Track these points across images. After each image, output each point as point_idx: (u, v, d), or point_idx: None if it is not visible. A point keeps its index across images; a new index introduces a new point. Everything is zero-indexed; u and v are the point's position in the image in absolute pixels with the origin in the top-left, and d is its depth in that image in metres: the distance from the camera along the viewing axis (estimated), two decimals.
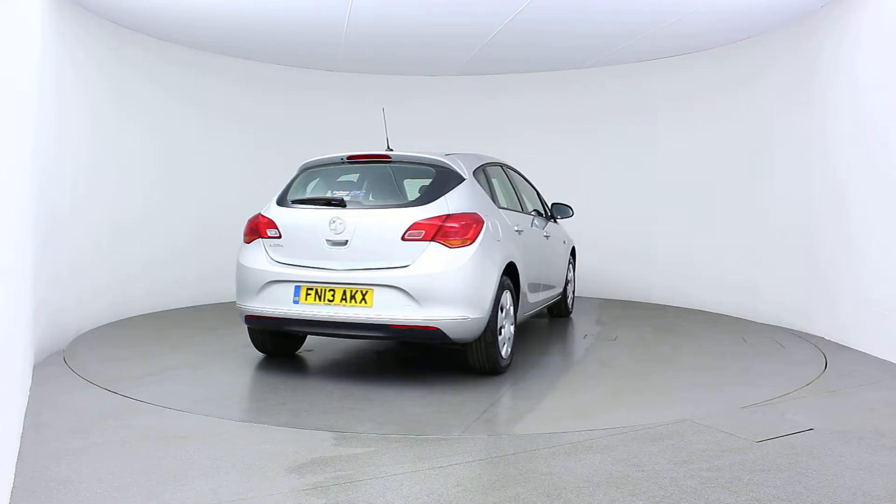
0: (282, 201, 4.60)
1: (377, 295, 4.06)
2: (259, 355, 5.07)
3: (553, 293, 6.12)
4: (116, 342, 5.46)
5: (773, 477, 2.82)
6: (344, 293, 4.12)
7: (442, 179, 4.39)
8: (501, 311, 4.40)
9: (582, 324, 6.66)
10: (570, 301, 6.96)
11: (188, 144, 7.21)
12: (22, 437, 3.20)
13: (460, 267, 4.06)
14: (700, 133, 7.38)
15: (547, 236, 5.81)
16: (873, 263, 5.22)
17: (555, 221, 6.39)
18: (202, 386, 4.36)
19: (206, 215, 7.34)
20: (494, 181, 5.09)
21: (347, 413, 3.68)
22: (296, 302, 4.22)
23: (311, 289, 4.20)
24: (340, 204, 4.37)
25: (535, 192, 6.18)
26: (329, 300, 4.14)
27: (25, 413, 3.56)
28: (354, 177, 4.72)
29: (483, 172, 4.86)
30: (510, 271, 4.61)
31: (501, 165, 5.53)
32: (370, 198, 4.53)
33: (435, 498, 2.60)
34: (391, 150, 4.84)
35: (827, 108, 5.77)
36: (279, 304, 4.27)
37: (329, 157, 4.78)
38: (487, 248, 4.23)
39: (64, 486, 2.66)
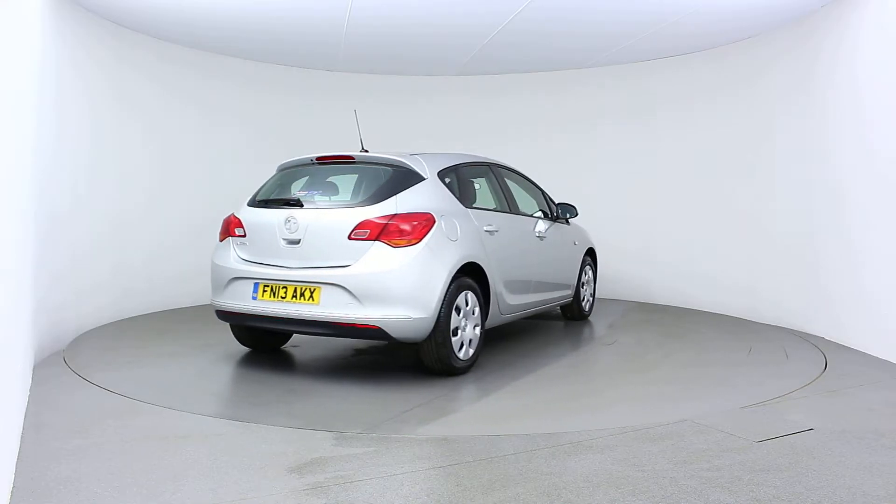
0: (251, 201, 4.77)
1: (324, 293, 4.16)
2: (259, 355, 5.07)
3: (555, 295, 6.02)
4: (116, 342, 5.46)
5: (773, 477, 2.82)
6: (295, 290, 4.25)
7: (398, 179, 4.44)
8: (458, 312, 4.39)
9: (591, 326, 6.62)
10: (585, 303, 6.77)
11: (188, 144, 7.21)
12: (22, 437, 3.20)
13: (402, 266, 4.09)
14: (700, 133, 7.38)
15: (541, 237, 5.66)
16: (873, 263, 5.21)
17: (566, 222, 6.30)
18: (202, 386, 4.36)
19: (206, 215, 7.32)
20: (471, 181, 5.12)
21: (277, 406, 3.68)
22: (254, 298, 4.38)
23: (267, 286, 4.36)
24: (297, 204, 4.49)
25: (541, 193, 6.11)
26: (282, 297, 4.27)
27: (25, 413, 3.56)
28: (320, 177, 4.84)
29: (454, 172, 4.85)
30: (475, 272, 4.60)
31: (489, 165, 5.49)
32: (325, 198, 4.64)
33: (435, 498, 2.60)
34: (366, 150, 4.89)
35: (827, 107, 5.77)
36: (241, 299, 4.44)
37: (301, 159, 4.89)
38: (436, 248, 4.23)
39: (64, 486, 2.66)
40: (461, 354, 4.46)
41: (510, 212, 5.38)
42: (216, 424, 3.46)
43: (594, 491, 2.66)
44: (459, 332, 4.45)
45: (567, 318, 6.80)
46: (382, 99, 8.40)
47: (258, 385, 4.27)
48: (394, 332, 4.12)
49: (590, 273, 6.84)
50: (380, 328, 4.08)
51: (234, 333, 5.11)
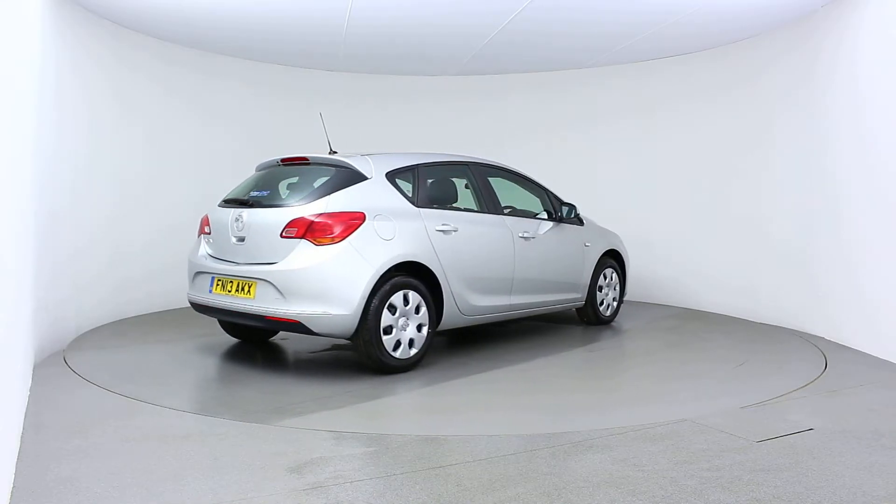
0: (222, 200, 5.06)
1: (258, 288, 4.38)
2: (260, 355, 5.08)
3: (556, 298, 5.85)
4: (117, 342, 5.46)
5: (773, 477, 2.82)
6: (238, 285, 4.52)
7: (339, 179, 4.57)
8: (393, 311, 4.44)
9: (599, 331, 6.50)
10: (606, 307, 6.47)
11: (187, 143, 7.21)
12: (22, 437, 3.20)
13: (321, 263, 4.21)
14: (700, 133, 7.38)
15: (527, 237, 5.47)
16: (871, 263, 5.21)
17: (577, 222, 6.14)
18: (202, 385, 4.36)
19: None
20: (439, 181, 5.13)
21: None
22: (210, 291, 4.71)
23: (219, 280, 4.66)
24: (247, 204, 4.74)
25: (544, 193, 5.98)
26: (228, 291, 4.57)
27: (25, 413, 3.56)
28: (279, 178, 4.98)
29: (411, 172, 4.89)
30: (421, 272, 4.63)
31: (468, 165, 5.44)
32: (270, 198, 4.76)
33: (435, 498, 2.60)
34: (335, 152, 5.07)
35: (826, 108, 5.77)
36: (202, 292, 4.79)
37: (272, 160, 5.10)
38: (362, 246, 4.31)
39: (64, 486, 2.66)
40: (398, 353, 4.50)
41: (488, 212, 5.30)
42: (216, 424, 3.46)
43: (594, 491, 2.66)
44: (395, 330, 4.48)
45: (584, 322, 6.51)
46: (382, 99, 8.40)
47: (259, 385, 4.27)
48: (314, 328, 4.25)
49: (613, 276, 6.53)
50: (300, 323, 4.23)
51: (220, 325, 5.45)
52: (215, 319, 5.21)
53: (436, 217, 4.82)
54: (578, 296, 6.15)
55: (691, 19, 6.15)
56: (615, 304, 6.62)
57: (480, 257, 5.06)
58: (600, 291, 6.40)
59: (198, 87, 7.33)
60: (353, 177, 4.59)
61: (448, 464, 2.94)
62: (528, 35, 6.73)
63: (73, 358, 4.80)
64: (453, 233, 4.86)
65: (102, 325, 6.03)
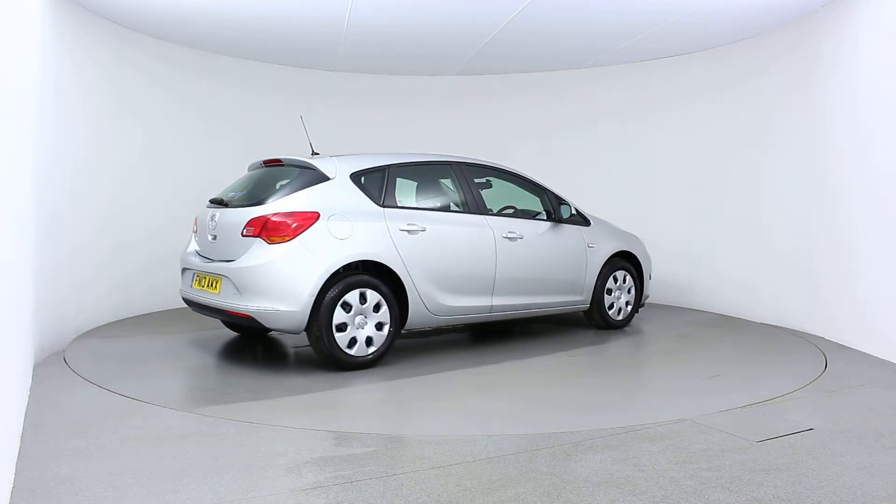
0: (208, 200, 5.29)
1: (222, 284, 4.59)
2: (259, 355, 5.07)
3: (551, 300, 5.71)
4: (117, 342, 5.46)
5: (773, 477, 2.82)
6: (208, 281, 4.75)
7: (302, 180, 4.73)
8: (347, 309, 4.52)
9: (598, 333, 6.44)
10: (617, 311, 6.20)
11: (187, 143, 7.20)
12: (22, 437, 3.20)
13: (272, 261, 4.37)
14: (699, 133, 7.38)
15: (512, 238, 5.36)
16: (869, 263, 5.21)
17: (583, 223, 5.99)
18: (202, 385, 4.36)
19: None
20: (404, 181, 5.17)
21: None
22: (191, 286, 4.95)
23: (197, 276, 4.90)
24: (223, 203, 4.99)
25: (545, 193, 5.85)
26: (203, 286, 4.79)
27: (25, 413, 3.56)
28: (257, 179, 5.12)
29: (380, 173, 4.94)
30: (383, 271, 4.69)
31: (451, 164, 5.41)
32: (240, 198, 4.95)
33: (435, 498, 2.60)
34: (317, 153, 5.19)
35: (826, 108, 5.77)
36: (186, 286, 5.04)
37: (257, 161, 5.29)
38: (313, 245, 4.42)
39: (64, 486, 2.66)
40: (353, 351, 4.57)
41: (469, 211, 5.27)
42: (216, 424, 3.46)
43: (594, 491, 2.66)
44: (350, 328, 4.55)
45: (594, 326, 6.27)
46: (382, 99, 8.40)
47: (259, 385, 4.27)
48: (266, 322, 4.44)
49: (626, 279, 6.26)
50: (252, 317, 4.42)
51: (221, 320, 5.55)
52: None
53: (401, 217, 4.86)
54: (581, 298, 5.95)
55: (691, 19, 6.15)
56: (629, 308, 6.33)
57: (452, 257, 5.04)
58: (609, 294, 6.15)
59: (197, 87, 7.33)
60: (315, 178, 4.72)
61: (448, 464, 2.94)
62: (528, 35, 6.73)
63: (73, 358, 4.80)
64: (420, 232, 4.87)
65: (102, 325, 6.03)
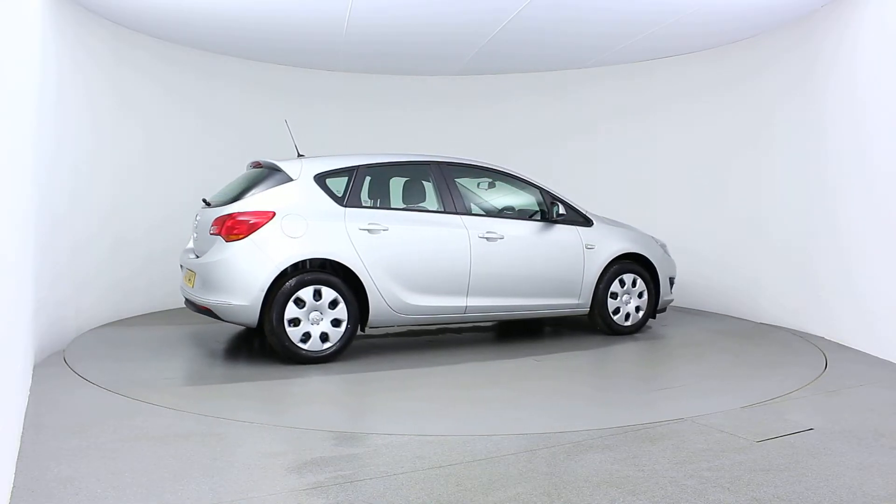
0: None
1: (195, 279, 4.88)
2: (258, 355, 5.07)
3: (539, 303, 5.55)
4: (117, 342, 5.46)
5: (773, 477, 2.82)
6: (188, 276, 5.03)
7: (268, 181, 4.96)
8: (301, 306, 4.69)
9: (595, 333, 6.53)
10: (623, 317, 5.89)
11: (187, 143, 7.20)
12: (22, 436, 3.20)
13: (227, 258, 4.65)
14: (699, 133, 7.38)
15: (490, 238, 5.28)
16: (869, 263, 5.21)
17: (584, 223, 5.77)
18: (202, 385, 4.36)
19: None
20: (373, 182, 5.31)
21: None
22: (182, 283, 5.26)
23: (184, 272, 5.17)
24: (207, 204, 5.28)
25: (538, 192, 5.73)
26: (186, 281, 5.07)
27: (25, 413, 3.56)
28: (242, 180, 5.30)
29: (348, 174, 5.07)
30: (340, 269, 4.82)
31: (430, 164, 5.40)
32: (217, 198, 5.24)
33: (435, 498, 2.60)
34: (302, 155, 5.34)
35: (826, 107, 5.77)
36: (181, 282, 5.29)
37: (251, 163, 5.49)
38: (264, 242, 4.65)
39: (64, 486, 2.66)
40: (307, 346, 4.73)
41: (445, 211, 5.25)
42: (216, 424, 3.46)
43: (594, 491, 2.66)
44: (303, 323, 4.71)
45: (599, 331, 5.97)
46: (382, 99, 8.40)
47: (259, 384, 4.27)
48: (221, 315, 4.72)
49: (637, 282, 5.93)
50: (210, 310, 4.73)
51: None
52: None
53: (363, 216, 4.96)
54: (577, 301, 5.71)
55: (691, 19, 6.15)
56: (640, 314, 5.98)
57: (418, 257, 5.06)
58: (613, 298, 5.84)
59: (197, 86, 7.33)
60: (281, 179, 4.94)
61: (448, 464, 2.94)
62: (529, 35, 6.73)
63: (73, 358, 4.80)
64: (382, 232, 4.94)
65: (102, 325, 6.03)
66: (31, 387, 4.06)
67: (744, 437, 3.30)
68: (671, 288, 6.28)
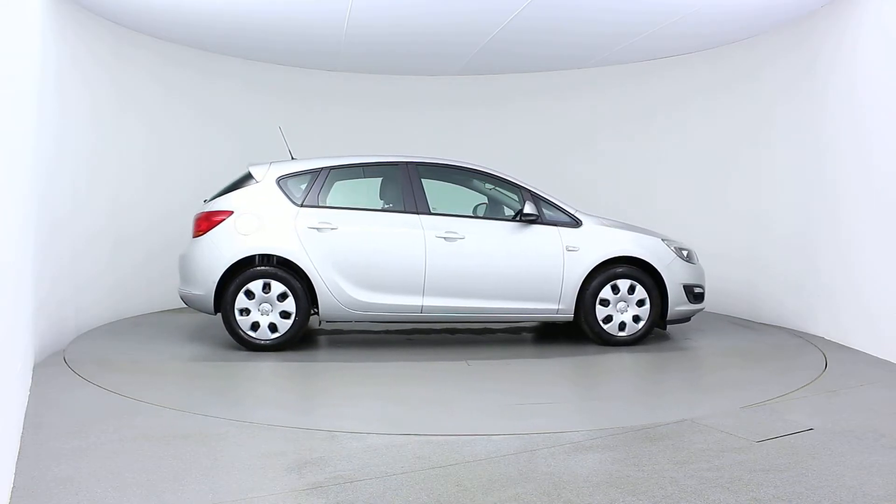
0: None
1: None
2: (259, 356, 5.07)
3: (507, 305, 5.31)
4: (117, 342, 5.46)
5: (773, 477, 2.82)
6: None
7: (237, 183, 5.44)
8: (250, 297, 5.11)
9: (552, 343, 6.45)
10: (612, 325, 5.43)
11: (188, 144, 7.20)
12: (22, 437, 3.20)
13: (190, 252, 5.25)
14: (699, 133, 7.38)
15: (450, 238, 5.19)
16: (870, 264, 5.21)
17: (573, 223, 5.41)
18: (202, 385, 4.36)
19: None
20: (335, 183, 5.46)
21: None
22: None
23: None
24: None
25: (520, 191, 5.44)
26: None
27: (25, 413, 3.56)
28: (232, 182, 5.61)
29: (310, 176, 5.34)
30: (292, 267, 5.13)
31: (398, 165, 5.43)
32: (209, 199, 5.60)
33: (435, 498, 2.60)
34: (294, 158, 5.64)
35: (826, 107, 5.77)
36: None
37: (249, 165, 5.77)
38: (219, 239, 5.14)
39: (64, 486, 2.66)
40: (256, 334, 5.13)
41: (406, 211, 5.27)
42: (216, 424, 3.46)
43: (594, 491, 2.66)
44: (253, 313, 5.12)
45: (591, 341, 5.54)
46: (382, 99, 8.40)
47: (259, 384, 4.27)
48: (187, 303, 5.38)
49: (636, 290, 5.44)
50: (182, 298, 5.36)
51: None
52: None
53: (314, 216, 5.20)
54: (556, 307, 5.34)
55: (691, 19, 6.15)
56: (638, 324, 5.48)
57: (367, 255, 5.21)
58: (604, 306, 5.41)
59: (198, 86, 7.33)
60: (247, 181, 5.38)
61: (448, 464, 2.94)
62: (528, 35, 6.73)
63: (73, 358, 4.80)
64: (329, 230, 5.16)
65: (103, 325, 6.03)
66: (31, 387, 4.06)
67: (744, 437, 3.30)
68: (693, 297, 5.62)
